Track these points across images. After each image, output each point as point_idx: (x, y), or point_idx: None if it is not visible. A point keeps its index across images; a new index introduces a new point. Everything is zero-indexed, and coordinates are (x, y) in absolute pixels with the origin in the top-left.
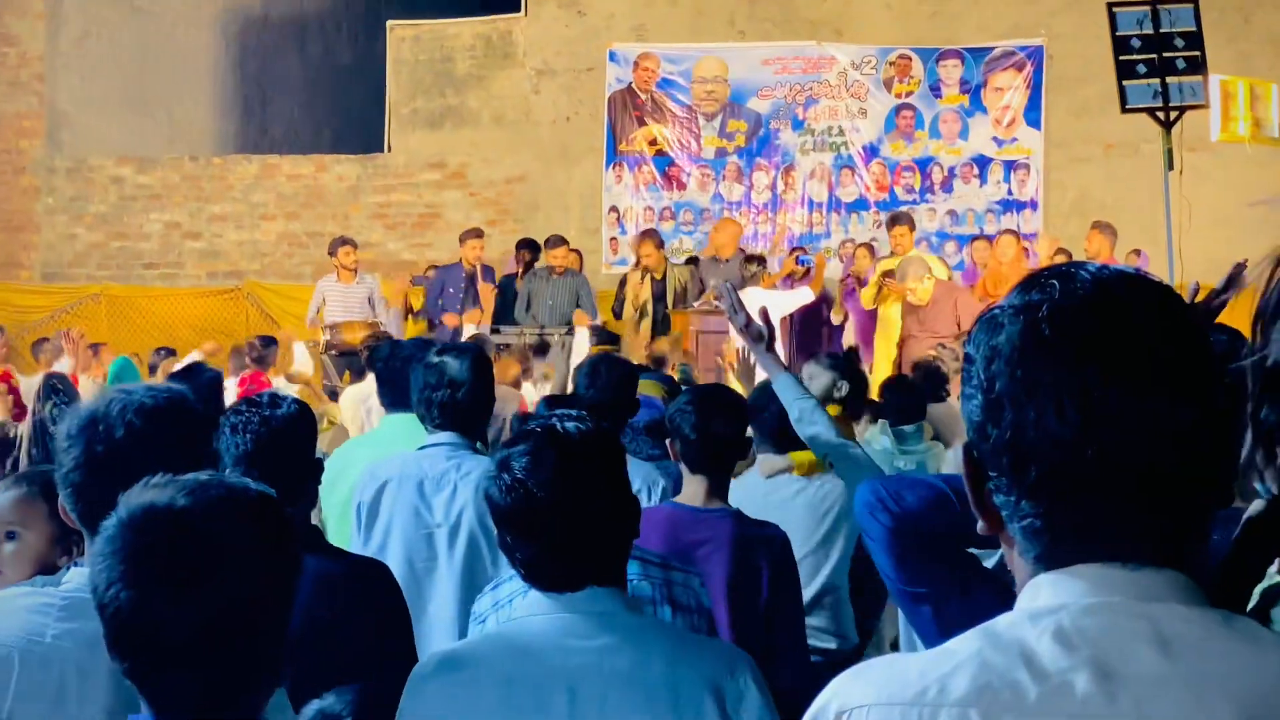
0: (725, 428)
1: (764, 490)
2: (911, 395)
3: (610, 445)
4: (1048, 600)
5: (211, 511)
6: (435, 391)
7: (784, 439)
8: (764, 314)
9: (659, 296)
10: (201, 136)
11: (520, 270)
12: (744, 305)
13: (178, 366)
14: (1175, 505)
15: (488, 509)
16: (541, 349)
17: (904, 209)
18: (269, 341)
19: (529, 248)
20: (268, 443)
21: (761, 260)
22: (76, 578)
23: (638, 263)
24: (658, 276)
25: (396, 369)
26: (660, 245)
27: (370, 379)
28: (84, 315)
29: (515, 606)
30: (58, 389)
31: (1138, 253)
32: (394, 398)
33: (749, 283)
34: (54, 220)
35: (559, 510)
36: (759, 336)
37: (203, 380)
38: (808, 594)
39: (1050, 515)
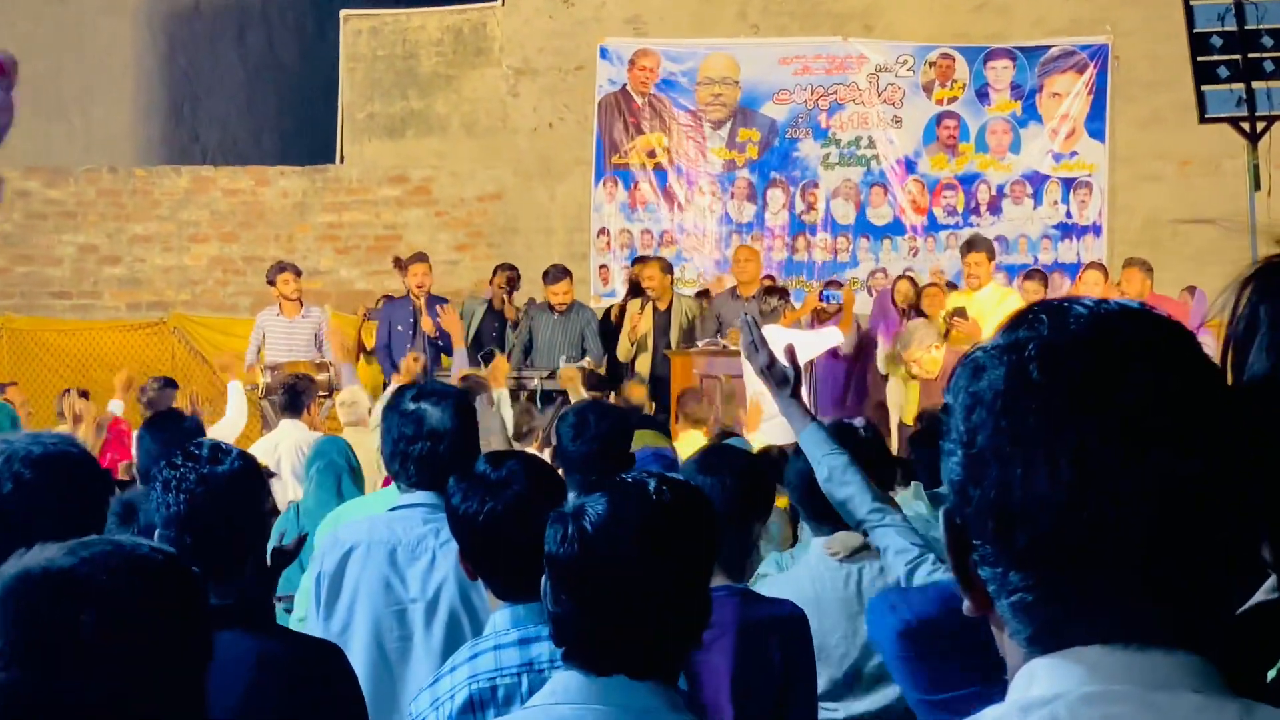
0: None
1: (841, 575)
2: None
3: (705, 524)
4: (1042, 689)
5: (99, 575)
6: (413, 444)
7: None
8: (790, 353)
9: (662, 330)
10: (122, 144)
11: (502, 299)
12: (766, 342)
13: (113, 407)
14: (1187, 576)
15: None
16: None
17: (979, 234)
18: (167, 384)
19: (508, 271)
20: (205, 504)
21: (784, 293)
22: None
23: (632, 291)
24: (661, 306)
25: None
26: (668, 270)
27: (282, 426)
28: None
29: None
30: None
31: (1191, 290)
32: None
33: (769, 319)
34: None
35: (628, 574)
36: (783, 380)
37: (187, 430)
38: (891, 695)
39: (1042, 588)
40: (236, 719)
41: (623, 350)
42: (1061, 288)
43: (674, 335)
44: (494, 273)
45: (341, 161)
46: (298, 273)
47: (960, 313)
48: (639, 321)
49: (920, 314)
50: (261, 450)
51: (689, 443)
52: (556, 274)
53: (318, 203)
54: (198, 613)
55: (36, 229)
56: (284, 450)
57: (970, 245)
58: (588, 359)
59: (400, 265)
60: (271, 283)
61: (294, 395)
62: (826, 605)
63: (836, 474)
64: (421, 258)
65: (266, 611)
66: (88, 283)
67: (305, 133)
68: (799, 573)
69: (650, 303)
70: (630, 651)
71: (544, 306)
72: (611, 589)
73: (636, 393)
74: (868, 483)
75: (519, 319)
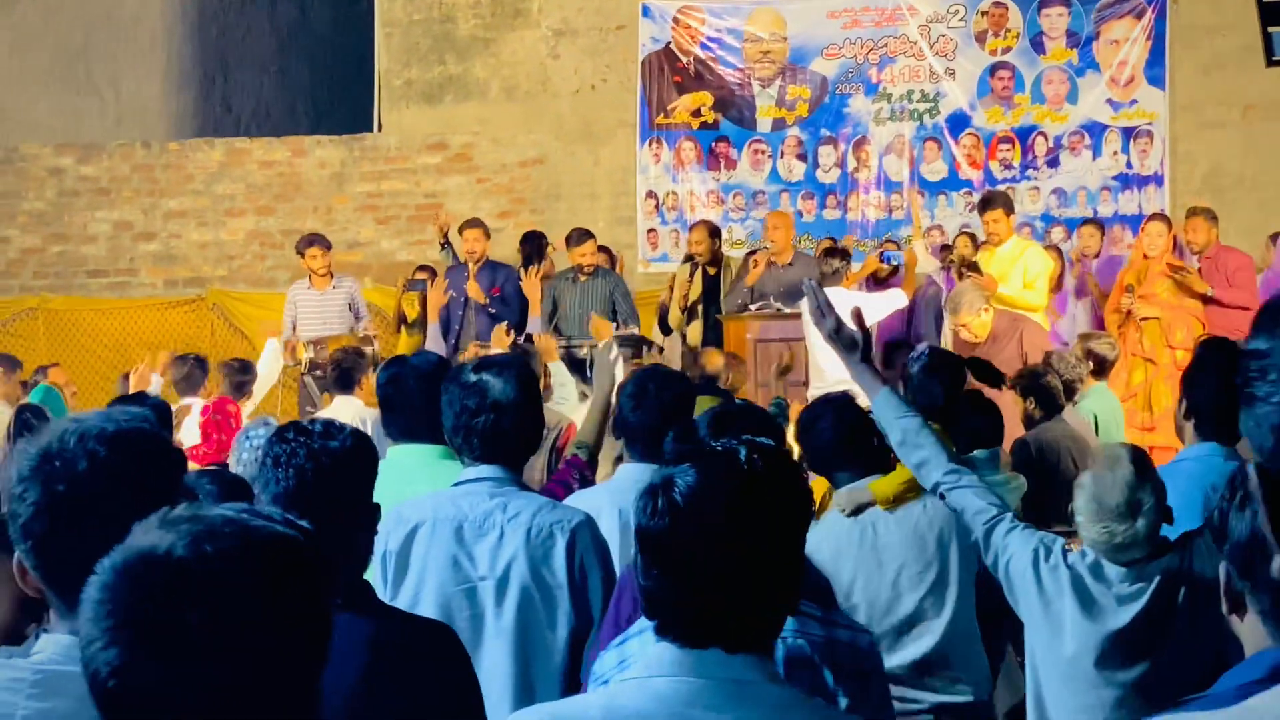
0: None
1: (854, 531)
2: (987, 416)
3: (797, 491)
4: None
5: (224, 561)
6: (476, 417)
7: (840, 459)
8: (857, 316)
9: (712, 295)
10: (154, 118)
11: (524, 272)
12: (833, 306)
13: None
14: None
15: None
16: (573, 366)
17: (1000, 189)
18: (246, 367)
19: (530, 243)
20: (315, 481)
21: (845, 254)
22: (49, 647)
23: (688, 257)
24: (711, 271)
25: (409, 390)
26: (715, 234)
27: (336, 403)
28: (18, 334)
29: (634, 660)
30: (31, 424)
31: (1275, 239)
32: (404, 425)
33: (830, 281)
34: None
35: (720, 546)
36: (852, 344)
37: (149, 409)
38: (928, 645)
39: None
40: (352, 704)
41: (674, 319)
42: (1122, 240)
43: (722, 299)
44: (520, 246)
45: (379, 130)
46: (327, 246)
47: (973, 266)
48: (689, 289)
49: (974, 269)
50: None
51: None
52: (579, 236)
53: (355, 172)
54: (324, 600)
55: (70, 207)
56: None
57: (986, 202)
58: (623, 321)
59: (443, 240)
60: (301, 255)
61: (344, 372)
62: (844, 561)
63: (910, 437)
64: (475, 223)
65: (372, 593)
66: (124, 260)
67: (341, 101)
68: (818, 531)
69: (699, 268)
70: (725, 623)
71: (567, 273)
72: (704, 561)
73: (714, 361)
74: (941, 444)
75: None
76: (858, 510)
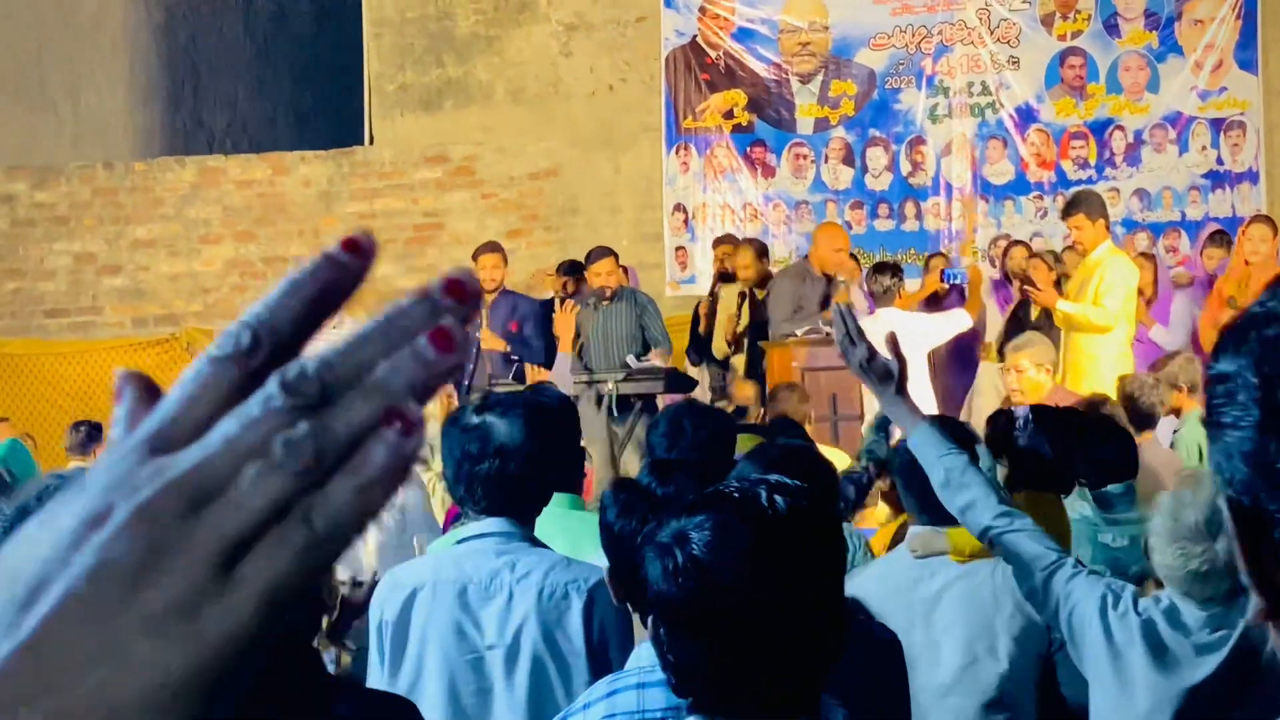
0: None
1: (912, 575)
2: (1118, 444)
3: (829, 533)
4: None
5: None
6: (478, 464)
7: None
8: (892, 343)
9: (758, 322)
10: (117, 135)
11: (559, 305)
12: (864, 334)
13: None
14: None
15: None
16: (596, 402)
17: (1085, 189)
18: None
19: (570, 273)
20: None
21: (897, 270)
22: None
23: (721, 277)
24: (759, 295)
25: None
26: (763, 254)
27: None
28: None
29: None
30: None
31: None
32: None
33: (881, 301)
34: None
35: (748, 603)
36: (885, 375)
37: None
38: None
39: None
40: None
41: (719, 349)
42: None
43: (772, 323)
44: (557, 273)
45: (370, 142)
46: None
47: (1029, 281)
48: (737, 320)
49: (1029, 283)
50: None
51: None
52: (597, 254)
53: (345, 191)
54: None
55: (24, 238)
56: None
57: (1070, 206)
58: (654, 353)
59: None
60: None
61: None
62: (893, 605)
63: (955, 477)
64: (490, 248)
65: (321, 664)
66: (86, 297)
67: (327, 111)
68: (879, 565)
69: (747, 294)
70: (767, 691)
71: (587, 298)
72: (736, 623)
73: (745, 392)
74: (991, 484)
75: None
76: (929, 554)
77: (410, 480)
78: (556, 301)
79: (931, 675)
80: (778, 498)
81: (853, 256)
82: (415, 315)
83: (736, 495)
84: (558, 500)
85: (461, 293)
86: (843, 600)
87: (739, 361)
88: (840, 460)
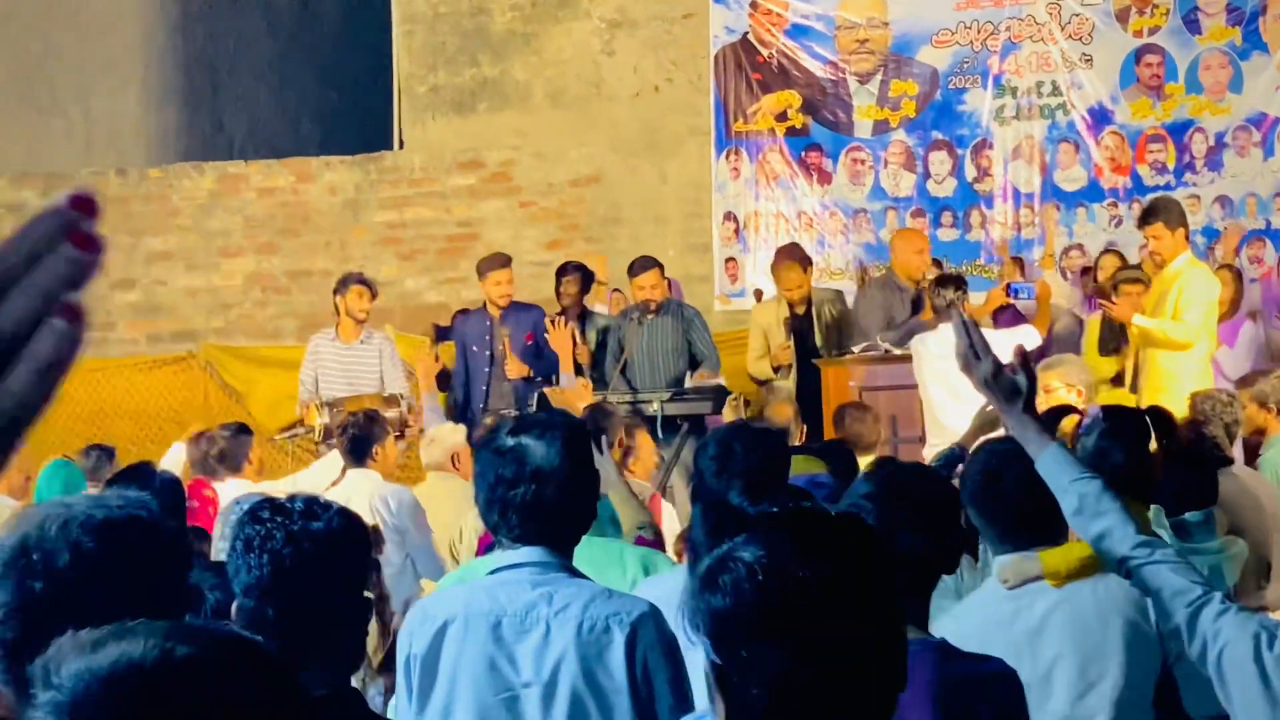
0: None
1: (1009, 608)
2: (1199, 469)
3: (883, 559)
4: None
5: (178, 675)
6: (513, 489)
7: (1027, 528)
8: (1021, 356)
9: (804, 339)
10: (131, 140)
11: (566, 310)
12: (989, 346)
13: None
14: None
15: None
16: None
17: (1163, 196)
18: (241, 430)
19: (574, 274)
20: (295, 568)
21: (960, 282)
22: None
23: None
24: (800, 310)
25: None
26: (807, 266)
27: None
28: None
29: None
30: None
31: None
32: None
33: (942, 315)
34: None
35: (798, 636)
36: (1014, 392)
37: (155, 488)
38: None
39: None
40: None
41: (759, 368)
42: None
43: (819, 340)
44: (557, 279)
45: (400, 147)
46: (373, 291)
47: (1103, 293)
48: (776, 332)
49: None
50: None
51: None
52: (641, 265)
53: (374, 199)
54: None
55: None
56: (356, 508)
57: (1146, 213)
58: (702, 370)
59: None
60: (341, 294)
61: (357, 439)
62: (992, 642)
63: (1089, 504)
64: (497, 262)
65: (362, 704)
66: (98, 312)
67: (354, 114)
68: (970, 603)
69: (787, 315)
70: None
71: (631, 312)
72: (782, 656)
73: (782, 412)
74: (1127, 512)
75: (602, 331)
76: (1023, 584)
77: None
78: (547, 320)
79: (1045, 708)
80: (822, 521)
81: (936, 262)
82: (51, 226)
83: (781, 518)
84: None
85: (88, 205)
86: (899, 638)
87: (785, 382)
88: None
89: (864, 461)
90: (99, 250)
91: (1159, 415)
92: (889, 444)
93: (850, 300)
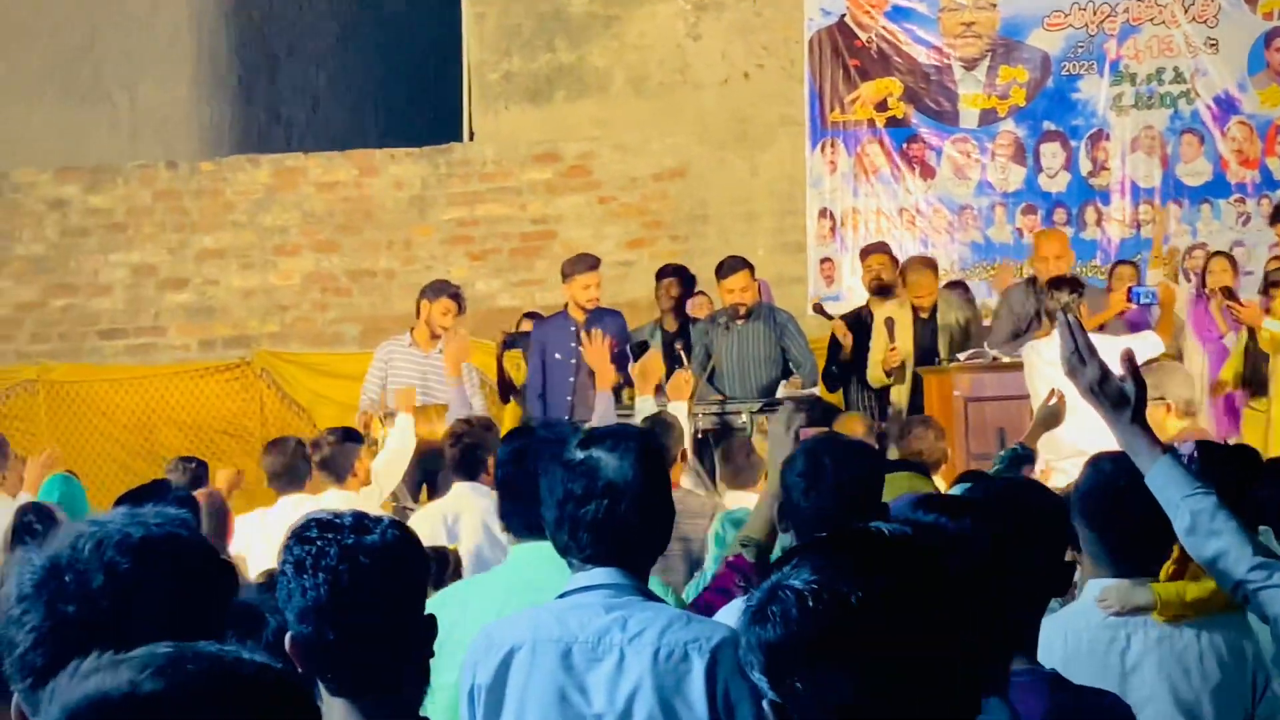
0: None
1: (1106, 635)
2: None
3: (938, 565)
4: None
5: (197, 696)
6: (584, 505)
7: (1142, 551)
8: (1129, 361)
9: (922, 344)
10: (181, 131)
11: (667, 315)
12: (1095, 351)
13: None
14: None
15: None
16: (726, 434)
17: None
18: (347, 436)
19: (675, 277)
20: (353, 586)
21: (1076, 284)
22: None
23: (876, 291)
24: (924, 315)
25: (531, 473)
26: (935, 268)
27: (457, 491)
28: (11, 413)
29: None
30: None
31: None
32: (530, 517)
33: (1056, 322)
34: None
35: (859, 662)
36: (1121, 400)
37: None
38: None
39: None
40: None
41: (875, 376)
42: None
43: (943, 349)
44: (657, 281)
45: (470, 138)
46: (461, 307)
47: (1232, 295)
48: (904, 336)
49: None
50: (428, 523)
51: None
52: (730, 267)
53: (441, 194)
54: None
55: (76, 248)
56: (467, 525)
57: (1278, 211)
58: (794, 378)
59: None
60: (430, 299)
61: (471, 449)
62: (1079, 668)
63: (1203, 522)
64: (585, 264)
65: None
66: (146, 315)
67: (421, 103)
68: (1056, 622)
69: (911, 320)
70: None
71: (719, 316)
72: (842, 686)
73: (853, 426)
74: (1245, 532)
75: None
76: (1127, 610)
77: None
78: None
79: None
80: (887, 540)
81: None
82: None
83: (839, 539)
84: (531, 550)
85: None
86: (971, 650)
87: (899, 393)
88: None
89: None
90: None
91: (1247, 456)
92: (991, 458)
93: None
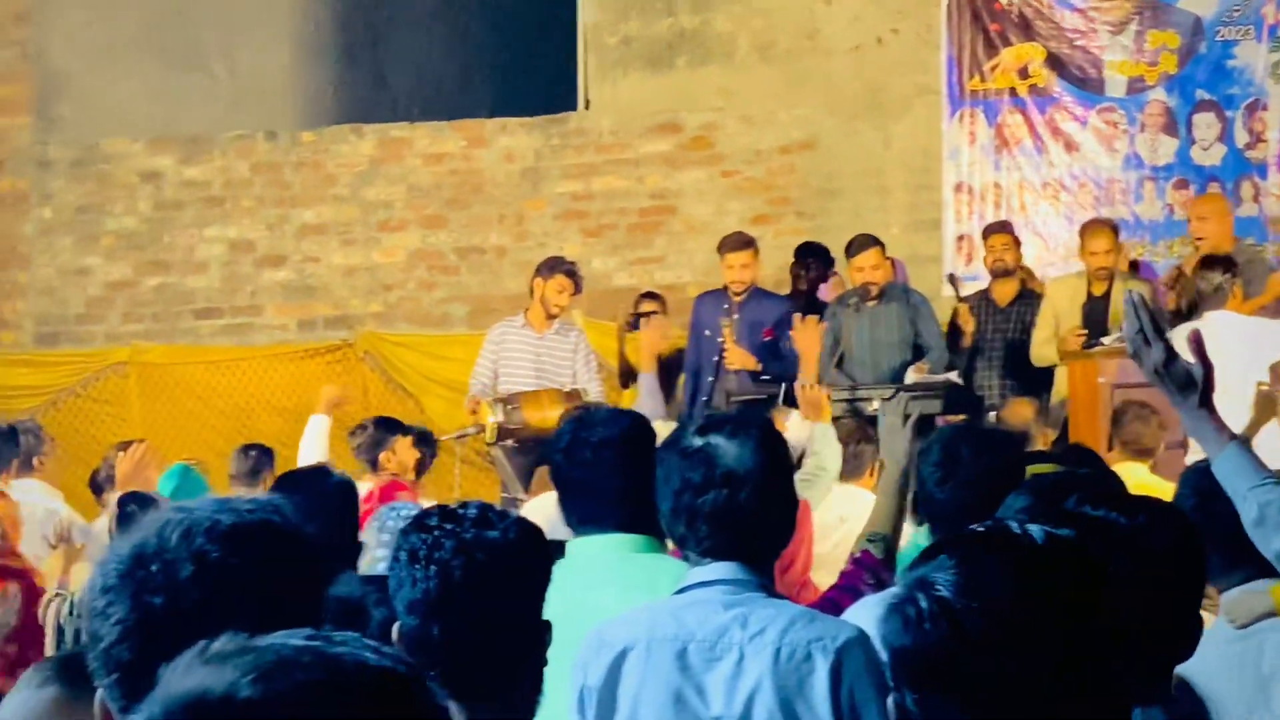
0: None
1: (1237, 649)
2: None
3: (1098, 574)
4: None
5: (298, 705)
6: (702, 495)
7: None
8: (1196, 342)
9: (1098, 326)
10: (282, 100)
11: (801, 296)
12: (1162, 331)
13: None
14: None
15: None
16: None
17: None
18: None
19: (813, 257)
20: (466, 582)
21: (1230, 264)
22: None
23: (998, 273)
24: (1098, 291)
25: (590, 460)
26: (1117, 233)
27: None
28: (101, 397)
29: None
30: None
31: None
32: (584, 510)
33: (1211, 302)
34: (51, 245)
35: (1008, 648)
36: (1186, 383)
37: (327, 489)
38: None
39: None
40: None
41: (1043, 353)
42: None
43: (1112, 333)
44: (796, 257)
45: (586, 108)
46: (578, 285)
47: None
48: (1074, 331)
49: None
50: (541, 515)
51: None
52: (859, 245)
53: (555, 166)
54: None
55: (170, 223)
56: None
57: None
58: (922, 363)
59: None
60: (545, 277)
61: None
62: (1219, 688)
63: (1271, 515)
64: (739, 242)
65: None
66: (243, 294)
67: (534, 70)
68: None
69: (1088, 293)
70: None
71: (848, 297)
72: (996, 673)
73: (1022, 411)
74: None
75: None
76: (1251, 622)
77: None
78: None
79: None
80: (1031, 527)
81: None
82: None
83: (981, 530)
84: (625, 542)
85: None
86: (1117, 654)
87: (1064, 374)
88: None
89: (1136, 469)
90: None
91: None
92: None
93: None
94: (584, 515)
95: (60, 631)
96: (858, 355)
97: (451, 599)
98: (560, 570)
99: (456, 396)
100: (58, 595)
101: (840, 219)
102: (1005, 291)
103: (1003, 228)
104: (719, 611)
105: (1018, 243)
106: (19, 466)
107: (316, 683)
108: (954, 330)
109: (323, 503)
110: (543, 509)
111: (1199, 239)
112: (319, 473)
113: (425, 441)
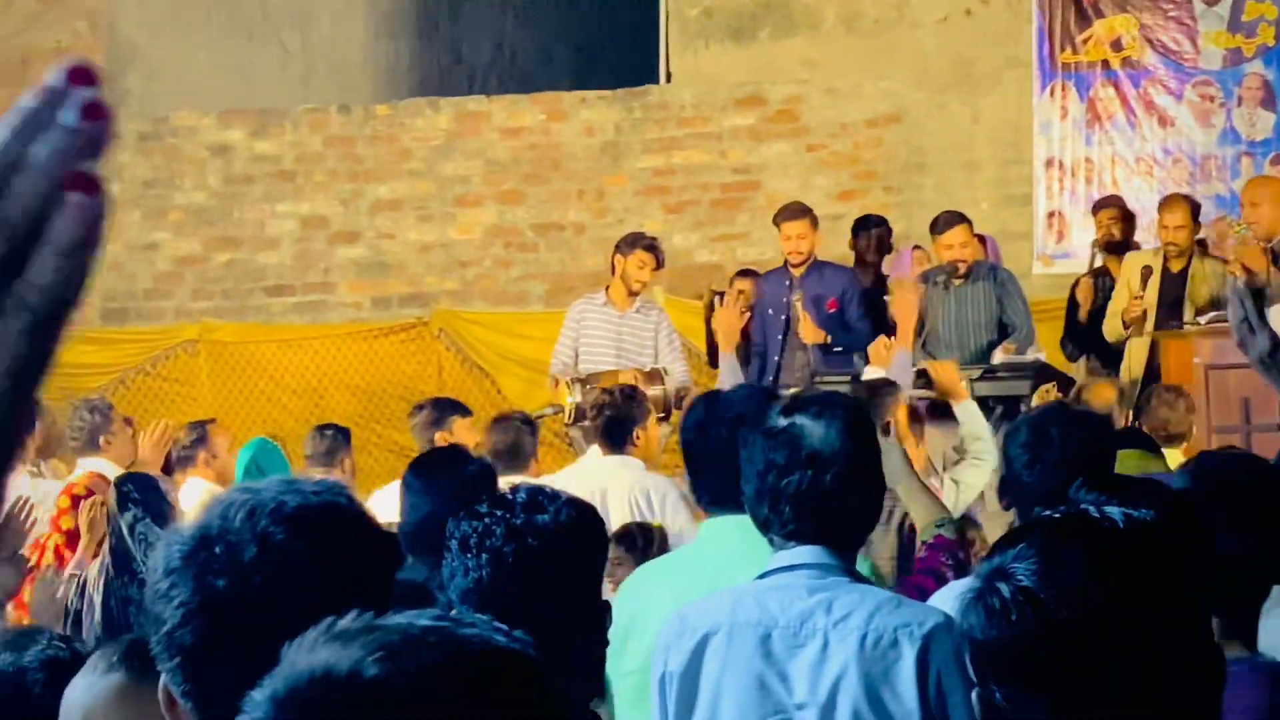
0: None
1: None
2: None
3: (1179, 553)
4: None
5: (433, 682)
6: (786, 476)
7: None
8: None
9: (1168, 303)
10: (356, 73)
11: (865, 270)
12: (1265, 319)
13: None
14: None
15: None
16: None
17: None
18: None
19: (872, 228)
20: (518, 569)
21: None
22: None
23: (1112, 247)
24: (1175, 267)
25: (723, 438)
26: (1196, 212)
27: (605, 464)
28: (171, 375)
29: None
30: (134, 497)
31: None
32: (718, 487)
33: None
34: (121, 221)
35: (1094, 637)
36: None
37: (465, 477)
38: None
39: None
40: None
41: (1112, 326)
42: None
43: (1187, 311)
44: (853, 232)
45: (668, 80)
46: (659, 260)
47: None
48: (1143, 287)
49: None
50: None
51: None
52: (946, 222)
53: (636, 140)
54: None
55: (241, 197)
56: (613, 502)
57: None
58: (1007, 343)
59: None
60: (624, 254)
61: (614, 420)
62: None
63: None
64: (795, 212)
65: None
66: (316, 271)
67: (614, 42)
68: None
69: (1164, 266)
70: None
71: (935, 274)
72: (1084, 664)
73: (1103, 394)
74: None
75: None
76: None
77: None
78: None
79: None
80: (1110, 510)
81: None
82: (48, 104)
83: (1058, 515)
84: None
85: (87, 76)
86: (1209, 640)
87: (1137, 352)
88: None
89: (1169, 455)
90: (106, 117)
91: None
92: (1236, 431)
93: None
94: (716, 495)
95: (67, 612)
96: (943, 335)
97: (504, 585)
98: (693, 552)
99: (534, 376)
100: (71, 576)
101: (928, 194)
102: (1139, 260)
103: (1114, 201)
104: (803, 597)
105: (1128, 216)
106: (85, 445)
107: (443, 663)
108: (1072, 304)
109: (460, 487)
110: (609, 482)
111: (1251, 223)
112: (457, 456)
113: (527, 424)
